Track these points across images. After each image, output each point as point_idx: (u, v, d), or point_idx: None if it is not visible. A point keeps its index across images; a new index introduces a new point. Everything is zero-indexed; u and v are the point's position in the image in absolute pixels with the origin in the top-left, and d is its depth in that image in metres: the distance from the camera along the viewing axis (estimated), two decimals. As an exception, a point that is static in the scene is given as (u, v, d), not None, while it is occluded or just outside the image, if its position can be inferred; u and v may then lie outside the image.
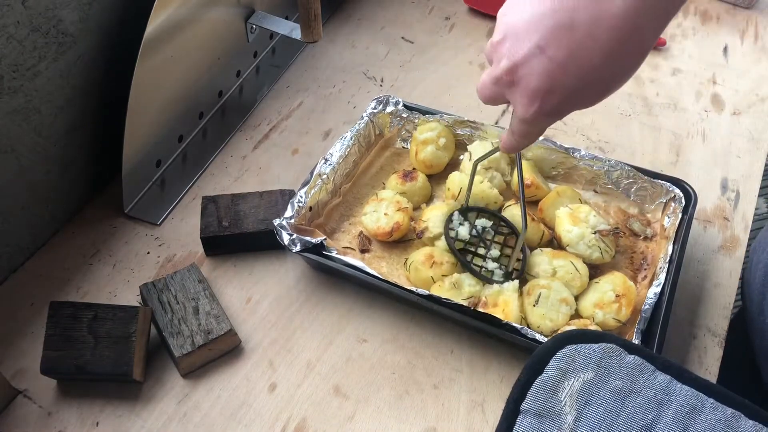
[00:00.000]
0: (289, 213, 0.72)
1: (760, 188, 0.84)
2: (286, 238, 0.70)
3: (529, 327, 0.66)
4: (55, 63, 0.70)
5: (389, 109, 0.85)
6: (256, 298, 0.73)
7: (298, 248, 0.69)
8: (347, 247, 0.76)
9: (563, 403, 0.49)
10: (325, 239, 0.70)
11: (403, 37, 1.06)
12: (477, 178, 0.76)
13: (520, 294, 0.68)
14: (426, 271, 0.70)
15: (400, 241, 0.77)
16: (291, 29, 0.91)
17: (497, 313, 0.66)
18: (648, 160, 0.86)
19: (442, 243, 0.73)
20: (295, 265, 0.76)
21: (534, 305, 0.67)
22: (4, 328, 0.71)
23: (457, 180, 0.77)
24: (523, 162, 0.79)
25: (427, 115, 0.84)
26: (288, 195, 0.77)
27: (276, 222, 0.71)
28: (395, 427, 0.64)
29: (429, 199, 0.81)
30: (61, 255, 0.77)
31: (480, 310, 0.66)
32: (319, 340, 0.70)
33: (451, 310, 0.65)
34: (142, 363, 0.66)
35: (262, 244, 0.76)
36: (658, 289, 0.66)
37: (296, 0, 0.84)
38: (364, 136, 0.82)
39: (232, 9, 0.90)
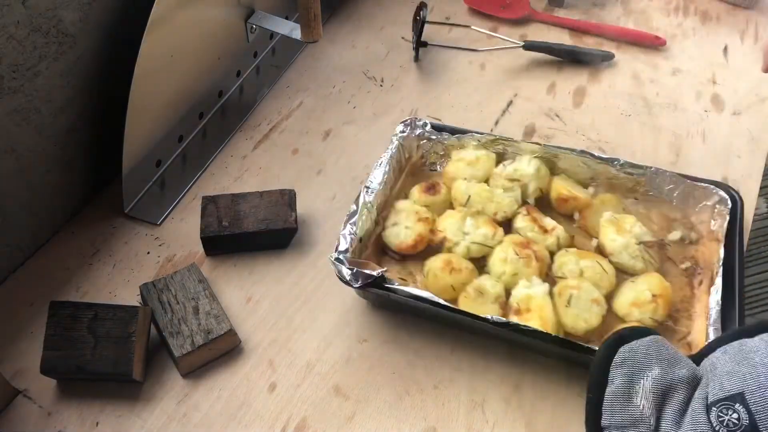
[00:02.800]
0: (343, 246, 0.68)
1: (760, 188, 0.84)
2: (346, 273, 0.66)
3: (564, 329, 0.66)
4: (55, 63, 0.70)
5: (417, 131, 0.82)
6: (256, 298, 0.73)
7: (359, 284, 0.65)
8: (401, 278, 0.72)
9: (641, 407, 0.50)
10: (385, 270, 0.66)
11: (403, 37, 1.06)
12: (497, 189, 0.76)
13: (550, 295, 0.67)
14: (445, 278, 0.69)
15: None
16: (291, 29, 0.91)
17: (532, 318, 0.65)
18: (648, 160, 0.86)
19: (459, 250, 0.72)
20: (295, 265, 0.76)
21: (566, 306, 0.66)
22: (4, 328, 0.71)
23: (462, 188, 0.76)
24: (558, 177, 0.78)
25: (456, 135, 0.81)
26: (288, 195, 0.77)
27: (333, 257, 0.67)
28: (395, 427, 0.63)
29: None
30: (61, 255, 0.77)
31: (514, 318, 0.65)
32: (319, 340, 0.70)
33: (516, 333, 0.63)
34: (142, 363, 0.65)
35: (262, 244, 0.76)
36: (719, 297, 0.64)
37: (296, 0, 0.84)
38: (396, 160, 0.79)
39: (232, 9, 0.90)
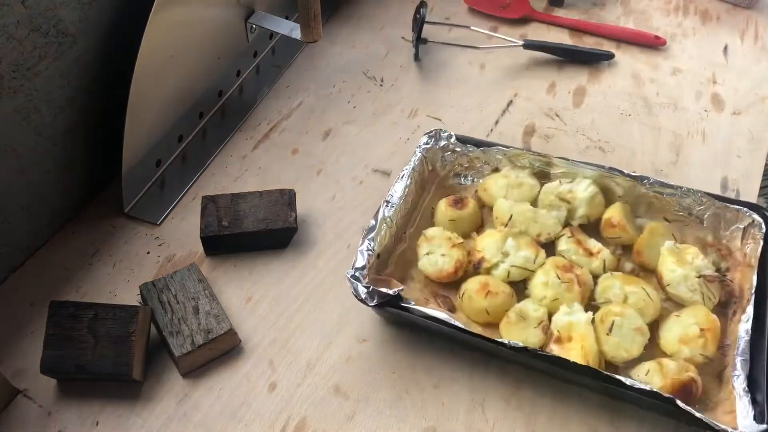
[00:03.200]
0: (360, 263, 0.67)
1: (760, 188, 0.84)
2: (362, 291, 0.65)
3: (603, 357, 0.64)
4: (55, 63, 0.70)
5: (441, 143, 0.80)
6: (256, 297, 0.73)
7: (375, 302, 0.64)
8: (424, 299, 0.70)
9: None
10: (402, 289, 0.64)
11: (403, 37, 1.06)
12: (541, 210, 0.74)
13: (592, 321, 0.65)
14: (480, 301, 0.67)
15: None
16: (291, 29, 0.91)
17: (574, 348, 0.63)
18: (648, 160, 0.86)
19: (498, 273, 0.70)
20: (295, 265, 0.76)
21: (608, 333, 0.64)
22: (4, 328, 0.71)
23: (506, 208, 0.74)
24: (617, 204, 0.74)
25: (481, 148, 0.79)
26: (288, 195, 0.77)
27: (349, 273, 0.66)
28: (395, 426, 0.63)
29: (479, 227, 0.76)
30: (61, 255, 0.77)
31: (554, 346, 0.64)
32: (319, 340, 0.70)
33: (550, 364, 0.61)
34: (142, 363, 0.65)
35: (262, 243, 0.76)
36: (749, 325, 0.62)
37: (296, 0, 0.84)
38: (419, 173, 0.77)
39: (232, 9, 0.90)
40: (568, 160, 0.77)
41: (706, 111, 0.93)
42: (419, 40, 0.98)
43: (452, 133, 0.80)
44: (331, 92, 0.97)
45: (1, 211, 0.71)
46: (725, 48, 1.03)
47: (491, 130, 0.91)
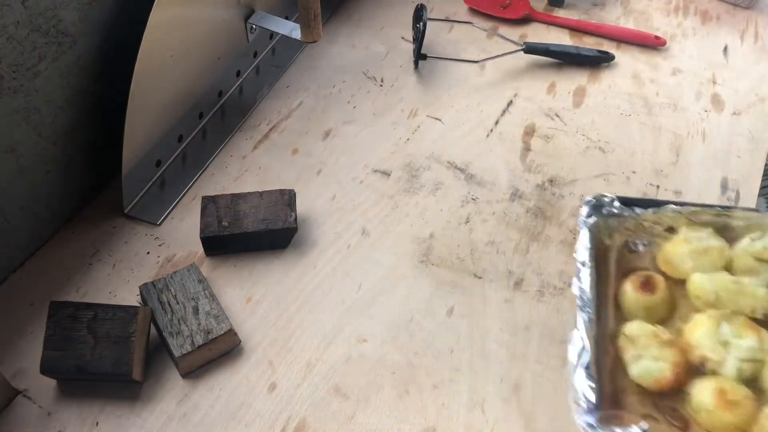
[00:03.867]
0: (592, 398, 0.56)
1: (760, 188, 0.84)
2: None
3: None
4: (55, 63, 0.70)
5: (604, 210, 0.68)
6: (256, 298, 0.73)
7: None
8: (647, 415, 0.57)
9: None
10: (647, 430, 0.54)
11: (403, 37, 1.06)
12: (743, 277, 0.62)
13: None
14: (723, 416, 0.55)
15: None
16: (291, 29, 0.91)
17: None
18: (648, 161, 0.86)
19: (728, 372, 0.57)
20: (295, 265, 0.76)
21: None
22: (4, 328, 0.71)
23: (707, 285, 0.62)
24: None
25: (650, 209, 0.68)
26: (288, 195, 0.77)
27: (583, 421, 0.55)
28: (395, 427, 0.64)
29: (672, 311, 0.64)
30: (61, 255, 0.77)
31: None
32: (319, 340, 0.70)
33: None
34: (141, 363, 0.65)
35: (262, 244, 0.76)
36: None
37: (296, 0, 0.84)
38: (595, 249, 0.66)
39: (232, 9, 0.90)
40: (750, 210, 0.67)
41: (706, 111, 0.93)
42: (419, 56, 0.98)
43: (614, 197, 0.69)
44: (331, 92, 0.97)
45: (1, 211, 0.71)
46: (725, 48, 1.03)
47: (491, 131, 0.91)
